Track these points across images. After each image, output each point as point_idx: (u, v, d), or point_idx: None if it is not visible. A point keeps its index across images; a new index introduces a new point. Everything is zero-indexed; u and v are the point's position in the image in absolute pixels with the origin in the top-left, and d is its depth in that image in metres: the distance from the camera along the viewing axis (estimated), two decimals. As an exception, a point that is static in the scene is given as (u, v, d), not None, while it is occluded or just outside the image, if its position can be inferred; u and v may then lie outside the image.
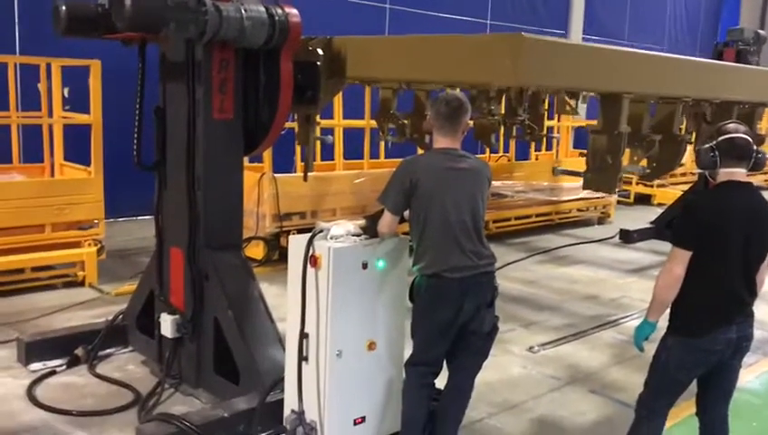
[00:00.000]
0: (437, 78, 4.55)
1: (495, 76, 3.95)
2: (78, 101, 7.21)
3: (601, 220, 11.39)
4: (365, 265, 3.64)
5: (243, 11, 4.04)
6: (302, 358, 3.64)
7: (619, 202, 11.81)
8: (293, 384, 3.73)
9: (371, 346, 3.72)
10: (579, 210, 11.09)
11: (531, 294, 7.03)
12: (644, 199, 13.06)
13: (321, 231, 3.68)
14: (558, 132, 11.08)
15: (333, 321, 3.56)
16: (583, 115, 11.67)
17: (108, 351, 5.06)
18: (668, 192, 12.70)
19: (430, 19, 13.07)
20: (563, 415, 4.43)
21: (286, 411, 3.82)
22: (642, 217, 11.08)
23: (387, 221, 3.60)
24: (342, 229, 3.70)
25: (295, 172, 8.22)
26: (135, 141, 4.47)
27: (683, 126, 6.13)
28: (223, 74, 4.27)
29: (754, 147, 3.07)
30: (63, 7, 4.23)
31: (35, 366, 4.78)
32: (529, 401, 4.58)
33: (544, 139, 9.49)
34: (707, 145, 3.05)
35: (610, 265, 8.54)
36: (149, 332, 4.92)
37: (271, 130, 4.45)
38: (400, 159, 9.76)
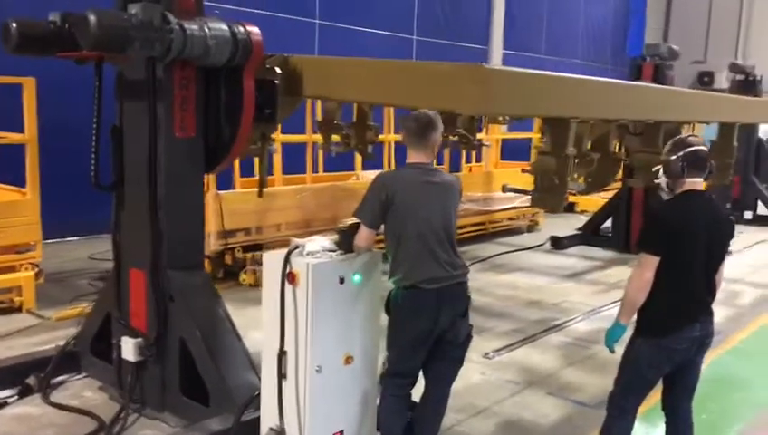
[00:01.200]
0: (400, 103, 4.66)
1: (460, 104, 4.09)
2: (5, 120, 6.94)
3: (530, 228, 11.79)
4: (342, 280, 3.68)
5: (206, 29, 4.04)
6: (281, 375, 3.64)
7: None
8: (272, 402, 3.72)
9: (348, 360, 3.76)
10: (510, 219, 11.45)
11: (478, 302, 7.18)
12: (567, 207, 13.57)
13: (297, 247, 3.70)
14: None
15: (313, 337, 3.58)
16: (505, 127, 12.11)
17: (60, 378, 4.88)
18: (590, 200, 13.25)
19: (359, 34, 13.23)
20: (527, 418, 4.59)
21: (264, 429, 3.80)
22: (568, 224, 11.52)
23: (364, 235, 3.66)
24: (317, 245, 3.73)
25: (235, 189, 8.18)
26: (92, 161, 4.36)
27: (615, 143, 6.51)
28: (184, 92, 4.24)
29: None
30: (14, 24, 4.08)
31: (-16, 398, 4.57)
32: (493, 405, 4.71)
33: (475, 149, 9.83)
34: (674, 156, 3.27)
35: (546, 272, 8.85)
36: (106, 356, 4.79)
37: (233, 148, 4.45)
38: (342, 172, 9.88)
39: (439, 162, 11.44)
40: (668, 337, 3.30)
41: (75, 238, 9.57)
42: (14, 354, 5.19)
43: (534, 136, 12.89)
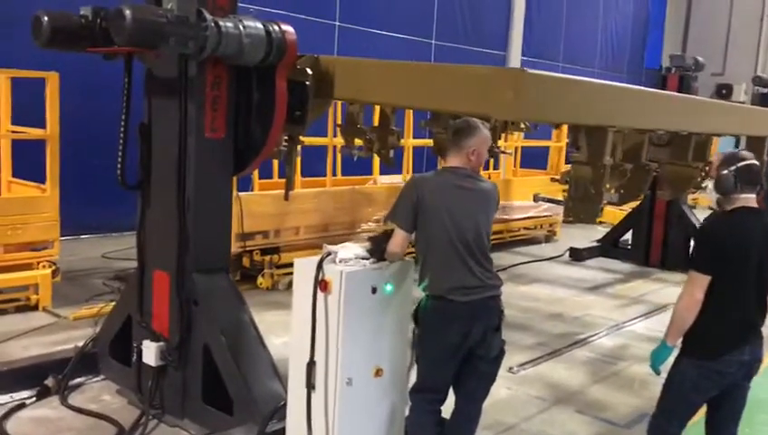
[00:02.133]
0: (434, 106, 4.57)
1: (496, 109, 3.96)
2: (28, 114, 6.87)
3: (548, 238, 11.64)
4: (374, 290, 3.57)
5: (241, 27, 3.93)
6: (309, 386, 3.52)
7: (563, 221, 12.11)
8: (298, 413, 3.61)
9: (378, 373, 3.64)
10: (526, 228, 11.30)
11: (498, 314, 7.08)
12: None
13: (329, 254, 3.59)
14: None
15: (344, 348, 3.47)
16: (521, 135, 11.99)
17: (78, 380, 4.78)
18: (609, 211, 13.12)
19: (378, 37, 13.14)
20: (556, 436, 4.47)
21: (290, 441, 3.69)
22: (585, 235, 11.38)
23: (398, 240, 3.54)
24: (350, 252, 3.63)
25: (253, 190, 8.08)
26: (119, 159, 4.27)
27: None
28: (215, 92, 4.14)
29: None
30: (45, 18, 3.99)
31: (1, 399, 4.47)
32: (521, 422, 4.59)
33: (494, 156, 9.74)
34: (726, 171, 3.15)
35: (566, 283, 8.71)
36: (125, 359, 4.68)
37: (263, 149, 4.34)
38: (359, 176, 9.78)
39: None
40: (716, 360, 3.17)
41: (87, 236, 9.49)
42: (32, 354, 5.11)
43: (552, 144, 12.79)
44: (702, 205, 15.33)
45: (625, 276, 9.38)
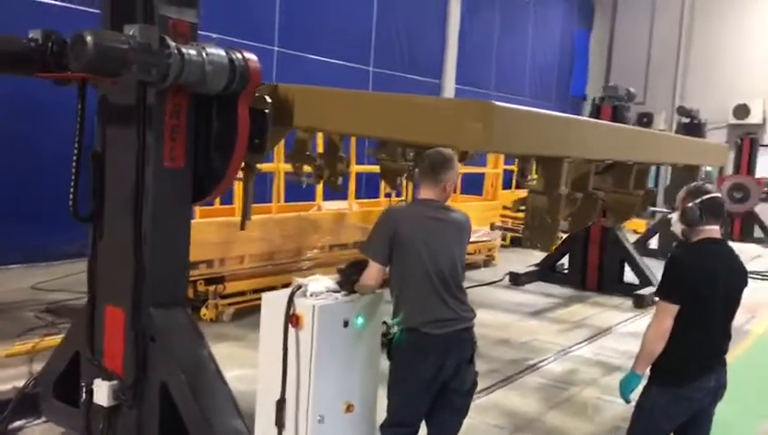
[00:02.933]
0: (401, 137, 4.56)
1: (464, 141, 4.00)
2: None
3: (487, 263, 11.81)
4: (346, 323, 3.52)
5: (204, 55, 3.84)
6: (280, 425, 3.42)
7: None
8: (267, 453, 3.50)
9: (349, 408, 3.59)
10: (467, 253, 11.40)
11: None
12: (518, 241, 13.68)
13: (299, 287, 3.52)
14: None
15: (316, 384, 3.39)
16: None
17: (17, 424, 4.49)
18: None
19: (317, 63, 13.14)
20: (520, 465, 4.47)
21: (258, 482, 3.56)
22: (521, 260, 11.56)
23: (373, 272, 3.50)
24: (321, 285, 3.57)
25: (195, 219, 7.88)
26: (71, 189, 4.07)
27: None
28: (175, 120, 4.01)
29: (724, 206, 3.33)
30: (-8, 42, 3.81)
31: (-66, 447, 4.16)
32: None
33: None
34: (692, 204, 3.25)
35: (509, 308, 8.83)
36: (71, 400, 4.44)
37: (225, 179, 4.23)
38: (302, 202, 9.71)
39: (398, 194, 11.41)
40: (685, 387, 3.26)
41: (15, 266, 9.04)
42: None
43: (488, 171, 13.03)
44: (629, 228, 15.92)
45: (564, 301, 9.58)
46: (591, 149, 4.94)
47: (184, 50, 3.74)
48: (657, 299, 3.29)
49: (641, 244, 13.42)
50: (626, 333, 8.08)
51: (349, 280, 3.64)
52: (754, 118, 19.97)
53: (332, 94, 4.71)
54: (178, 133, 4.04)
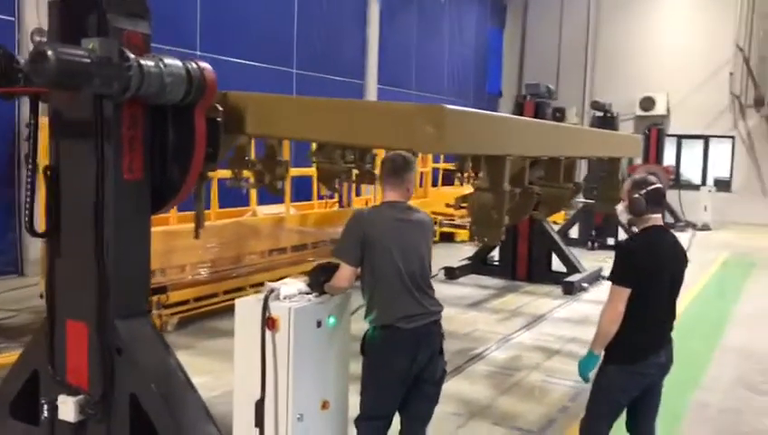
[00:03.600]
0: (355, 142, 4.68)
1: (418, 143, 4.15)
2: None
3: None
4: (319, 324, 3.64)
5: (162, 66, 3.86)
6: (261, 425, 3.51)
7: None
8: (247, 455, 3.58)
9: (325, 405, 3.71)
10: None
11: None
12: (448, 237, 14.05)
13: (272, 291, 3.61)
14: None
15: (294, 384, 3.50)
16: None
17: (-27, 447, 4.39)
18: (467, 232, 13.83)
19: (241, 66, 13.09)
20: (481, 450, 4.70)
21: (238, 485, 3.63)
22: (449, 255, 11.88)
23: (346, 274, 3.63)
24: (293, 288, 3.67)
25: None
26: (27, 205, 4.02)
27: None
28: (132, 132, 4.01)
29: (663, 194, 3.64)
30: (-64, 57, 3.72)
31: None
32: None
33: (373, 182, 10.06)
34: (638, 194, 3.53)
35: (448, 301, 8.99)
36: (28, 418, 4.37)
37: (183, 188, 4.25)
38: (236, 208, 9.71)
39: (331, 196, 11.50)
40: (638, 363, 3.54)
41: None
42: None
43: (420, 170, 13.32)
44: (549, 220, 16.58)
45: (498, 291, 9.95)
46: (530, 147, 5.22)
47: (143, 62, 3.76)
48: (610, 284, 3.56)
49: (563, 234, 14.00)
50: (559, 318, 8.50)
51: (317, 282, 3.75)
52: (659, 109, 21.13)
53: (286, 101, 4.77)
54: (136, 145, 4.04)
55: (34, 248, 9.59)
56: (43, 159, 7.82)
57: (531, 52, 23.50)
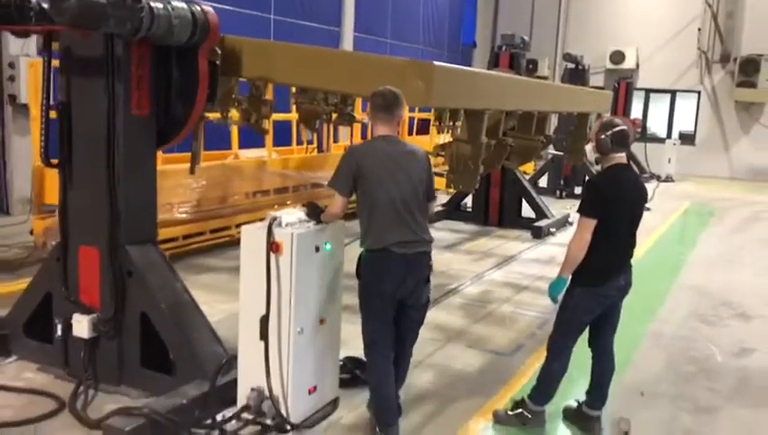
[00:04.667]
0: (346, 91, 4.96)
1: (408, 97, 4.44)
2: None
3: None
4: (317, 249, 4.01)
5: (170, 8, 4.13)
6: (266, 338, 3.90)
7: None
8: (251, 364, 3.98)
9: (322, 322, 4.11)
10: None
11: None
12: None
13: (275, 219, 3.96)
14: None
15: (296, 301, 3.88)
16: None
17: (-10, 362, 4.73)
18: (440, 180, 14.23)
19: (217, 11, 13.01)
20: (457, 367, 5.18)
21: (244, 390, 4.03)
22: (427, 201, 12.30)
23: (339, 203, 3.95)
24: (293, 217, 4.02)
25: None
26: (42, 138, 4.30)
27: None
28: (140, 71, 4.30)
29: (630, 136, 4.05)
30: (-42, -5, 3.94)
31: None
32: (425, 359, 5.23)
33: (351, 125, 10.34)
34: (604, 136, 3.93)
35: (423, 244, 9.53)
36: (42, 337, 4.72)
37: (186, 125, 4.56)
38: (218, 151, 9.88)
39: (309, 142, 11.77)
40: (602, 286, 3.99)
41: None
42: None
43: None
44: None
45: (471, 235, 10.42)
46: (508, 102, 5.60)
47: (153, 4, 4.02)
48: (578, 216, 3.97)
49: (533, 183, 14.48)
50: (528, 259, 9.00)
51: (314, 212, 4.11)
52: (629, 63, 21.54)
53: (282, 48, 5.02)
54: (143, 83, 4.33)
55: (19, 188, 9.78)
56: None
57: (505, 3, 23.63)
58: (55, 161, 4.44)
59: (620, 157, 3.99)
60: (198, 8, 4.33)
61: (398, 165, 3.94)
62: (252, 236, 3.95)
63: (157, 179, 4.61)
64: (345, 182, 3.95)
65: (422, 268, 4.05)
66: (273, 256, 3.86)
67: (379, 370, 4.03)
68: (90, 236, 4.42)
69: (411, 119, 14.34)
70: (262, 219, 4.03)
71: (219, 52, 4.82)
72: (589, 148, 4.11)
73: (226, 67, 4.93)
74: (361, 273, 4.02)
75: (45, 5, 4.22)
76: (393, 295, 3.98)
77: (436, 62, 4.40)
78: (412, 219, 3.95)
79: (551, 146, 11.35)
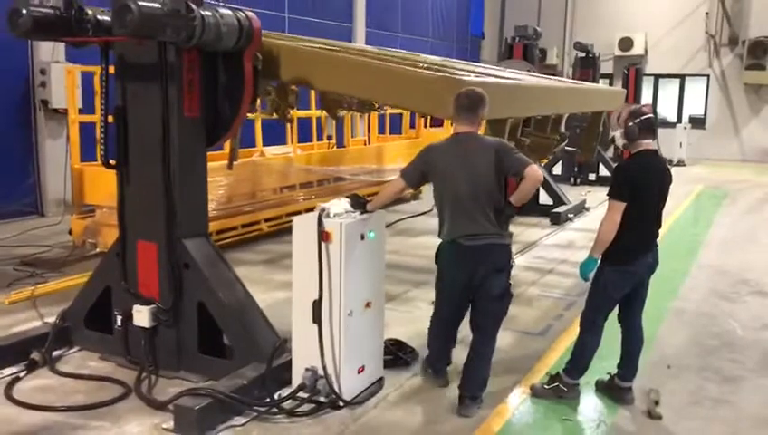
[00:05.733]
0: (381, 101, 5.21)
1: (437, 109, 4.74)
2: None
3: (414, 196, 12.73)
4: (363, 237, 4.30)
5: (218, 17, 4.41)
6: (319, 320, 4.19)
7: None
8: (305, 345, 4.27)
9: (368, 305, 4.40)
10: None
11: (403, 261, 8.03)
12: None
13: (323, 210, 4.24)
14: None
15: (345, 286, 4.17)
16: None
17: (56, 353, 5.03)
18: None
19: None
20: (491, 348, 5.45)
21: (298, 370, 4.33)
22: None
23: (396, 185, 4.37)
24: (340, 208, 4.31)
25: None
26: (102, 142, 4.60)
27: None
28: (191, 75, 4.58)
29: (655, 124, 4.31)
30: (24, 11, 4.23)
31: (-9, 376, 4.68)
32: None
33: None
34: (632, 123, 4.19)
35: (445, 233, 9.80)
36: (102, 328, 5.03)
37: (233, 124, 4.84)
38: (246, 149, 10.09)
39: (329, 138, 12.06)
40: (631, 264, 4.25)
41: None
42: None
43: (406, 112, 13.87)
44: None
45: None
46: (529, 109, 5.88)
47: (203, 12, 4.31)
48: (608, 199, 4.24)
49: (547, 169, 14.72)
50: (549, 244, 9.27)
51: (358, 203, 4.40)
52: (637, 49, 21.71)
53: (320, 56, 5.12)
54: (194, 87, 4.62)
55: (53, 190, 10.12)
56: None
57: (513, -7, 23.79)
58: (113, 162, 4.73)
59: (647, 143, 4.25)
60: (243, 15, 4.60)
61: (466, 161, 4.17)
62: (303, 227, 4.24)
63: (207, 176, 4.89)
64: (413, 173, 4.32)
65: (493, 258, 4.23)
66: (323, 244, 4.15)
67: (434, 335, 4.57)
68: (147, 232, 4.72)
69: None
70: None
71: (260, 57, 5.06)
72: (617, 135, 4.36)
73: (267, 71, 5.16)
74: (437, 262, 4.39)
75: (101, 18, 4.52)
76: (466, 284, 4.27)
77: (464, 78, 4.64)
78: (480, 213, 4.15)
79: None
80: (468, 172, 4.16)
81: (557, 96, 7.00)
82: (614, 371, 4.60)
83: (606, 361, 4.73)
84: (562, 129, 8.89)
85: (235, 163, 7.04)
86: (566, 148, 12.73)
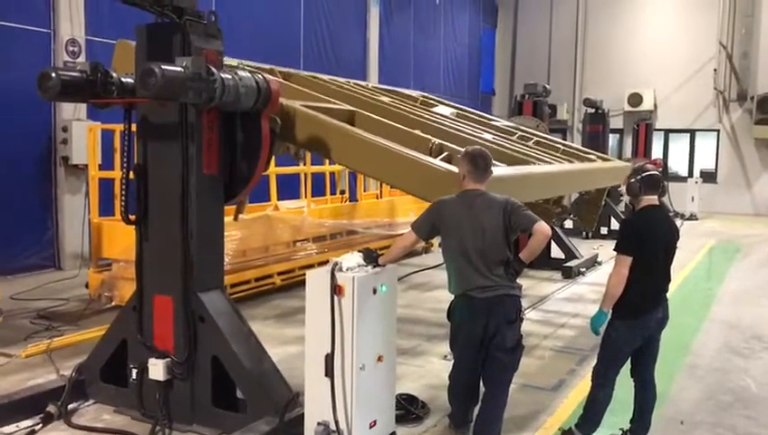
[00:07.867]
0: (392, 184, 5.70)
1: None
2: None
3: (426, 250, 12.82)
4: (375, 291, 4.38)
5: (237, 79, 4.60)
6: (332, 374, 4.24)
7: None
8: (317, 399, 4.31)
9: (380, 359, 4.44)
10: (408, 242, 12.38)
11: (415, 315, 8.07)
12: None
13: (336, 264, 4.34)
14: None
15: (357, 340, 4.23)
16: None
17: (71, 406, 5.09)
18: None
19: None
20: (503, 403, 5.45)
21: (311, 425, 4.36)
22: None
23: (408, 238, 4.50)
24: (353, 262, 4.40)
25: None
26: (123, 198, 4.75)
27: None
28: (210, 134, 4.75)
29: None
30: (54, 74, 4.44)
31: (8, 429, 4.72)
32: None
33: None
34: (634, 180, 4.31)
35: (457, 287, 9.84)
36: (118, 381, 5.09)
37: (251, 181, 4.98)
38: (259, 204, 10.31)
39: (342, 192, 12.24)
40: (640, 319, 4.31)
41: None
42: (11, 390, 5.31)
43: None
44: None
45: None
46: (540, 193, 6.12)
47: (223, 75, 4.50)
48: (615, 253, 4.32)
49: (559, 225, 14.79)
50: (561, 298, 9.29)
51: (370, 257, 4.50)
52: (647, 105, 21.98)
53: (334, 130, 5.27)
54: (213, 145, 4.78)
55: (70, 244, 10.30)
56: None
57: (522, 51, 24.29)
58: (133, 218, 4.87)
59: (651, 199, 4.35)
60: (261, 77, 4.79)
61: (473, 217, 4.29)
62: (316, 281, 4.32)
63: (224, 231, 5.01)
64: (424, 226, 4.45)
65: (504, 310, 4.32)
66: (336, 298, 4.23)
67: (453, 395, 4.64)
68: (164, 286, 4.82)
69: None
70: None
71: (279, 121, 5.20)
72: (623, 190, 4.47)
73: (284, 134, 5.32)
74: (450, 316, 4.47)
75: (125, 80, 4.72)
76: (480, 337, 4.34)
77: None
78: (486, 267, 4.26)
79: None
80: (476, 228, 4.27)
81: (567, 179, 7.20)
82: (626, 426, 4.60)
83: (618, 416, 4.73)
84: (565, 202, 9.04)
85: (246, 217, 7.18)
86: (567, 218, 12.87)
